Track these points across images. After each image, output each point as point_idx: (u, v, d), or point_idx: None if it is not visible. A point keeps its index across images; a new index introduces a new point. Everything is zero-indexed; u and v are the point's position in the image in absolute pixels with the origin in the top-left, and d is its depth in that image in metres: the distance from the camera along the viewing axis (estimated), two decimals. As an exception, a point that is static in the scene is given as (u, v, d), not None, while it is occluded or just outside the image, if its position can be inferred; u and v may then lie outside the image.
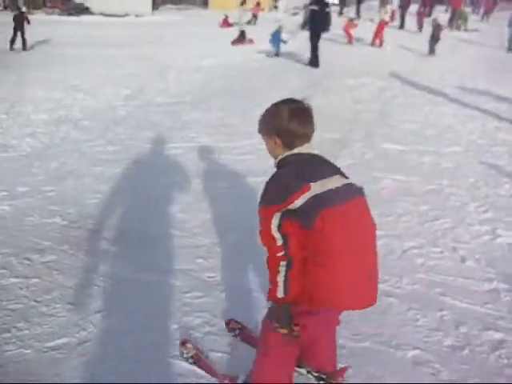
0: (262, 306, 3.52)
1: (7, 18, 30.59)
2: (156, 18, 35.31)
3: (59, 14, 32.31)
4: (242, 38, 21.51)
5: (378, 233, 2.44)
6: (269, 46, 18.40)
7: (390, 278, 4.27)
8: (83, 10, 32.91)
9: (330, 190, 2.22)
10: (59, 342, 3.37)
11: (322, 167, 2.35)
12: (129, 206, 5.72)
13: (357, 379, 3.06)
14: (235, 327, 3.35)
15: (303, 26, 15.97)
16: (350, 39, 22.15)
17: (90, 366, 3.17)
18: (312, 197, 2.15)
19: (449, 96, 12.04)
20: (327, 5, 15.64)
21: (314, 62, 15.78)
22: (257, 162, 6.97)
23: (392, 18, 25.19)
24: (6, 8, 34.28)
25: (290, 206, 2.16)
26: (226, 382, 2.86)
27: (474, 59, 18.79)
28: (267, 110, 2.48)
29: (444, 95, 12.13)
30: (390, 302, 3.96)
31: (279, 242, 2.18)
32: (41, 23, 25.46)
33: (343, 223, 2.18)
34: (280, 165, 2.39)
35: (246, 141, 7.97)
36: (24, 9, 20.18)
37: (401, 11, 28.43)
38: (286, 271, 2.19)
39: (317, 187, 2.18)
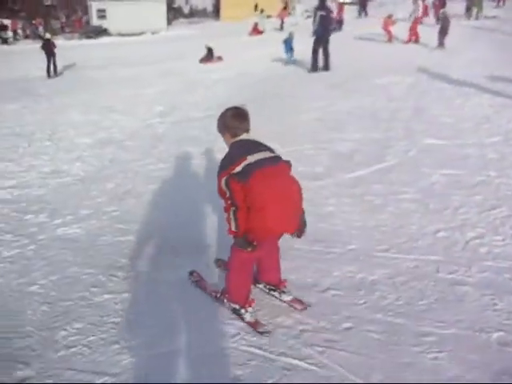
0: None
1: (30, 46, 31.65)
2: (171, 33, 35.85)
3: (78, 38, 33.03)
4: (209, 56, 20.52)
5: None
6: (279, 54, 18.53)
7: (459, 269, 4.45)
8: (101, 32, 33.55)
9: (259, 159, 3.40)
10: (164, 349, 3.63)
11: (254, 146, 3.53)
12: (195, 221, 5.91)
13: (456, 365, 3.29)
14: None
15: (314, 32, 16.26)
16: (390, 37, 22.18)
17: (198, 368, 3.41)
18: (247, 164, 3.34)
19: (478, 86, 12.12)
20: (330, 10, 16.43)
21: (313, 66, 16.19)
22: (309, 167, 7.18)
23: (425, 13, 25.22)
24: (27, 37, 35.16)
25: (233, 171, 3.34)
26: (213, 294, 4.14)
27: (495, 47, 18.81)
28: (219, 116, 3.71)
29: (473, 86, 12.20)
30: (465, 290, 4.14)
31: (227, 194, 3.40)
32: (62, 48, 25.94)
33: (268, 180, 3.34)
34: (230, 148, 3.60)
35: (293, 147, 8.14)
36: (48, 35, 20.73)
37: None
38: (234, 213, 3.40)
39: (251, 158, 3.38)
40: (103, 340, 3.78)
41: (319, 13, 15.74)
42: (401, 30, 22.48)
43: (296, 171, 3.78)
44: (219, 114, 3.70)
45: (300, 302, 4.01)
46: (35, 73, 20.44)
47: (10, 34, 36.81)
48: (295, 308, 3.98)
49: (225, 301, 3.97)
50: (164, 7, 40.68)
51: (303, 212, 3.71)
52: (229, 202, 3.42)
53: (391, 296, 4.13)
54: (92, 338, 3.81)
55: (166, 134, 9.99)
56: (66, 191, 7.22)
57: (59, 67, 20.39)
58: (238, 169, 3.34)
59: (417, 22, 21.72)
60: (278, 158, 3.59)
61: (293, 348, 3.57)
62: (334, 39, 16.83)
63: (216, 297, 4.09)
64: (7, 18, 48.86)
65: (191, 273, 4.53)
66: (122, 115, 12.06)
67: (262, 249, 3.67)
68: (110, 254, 5.14)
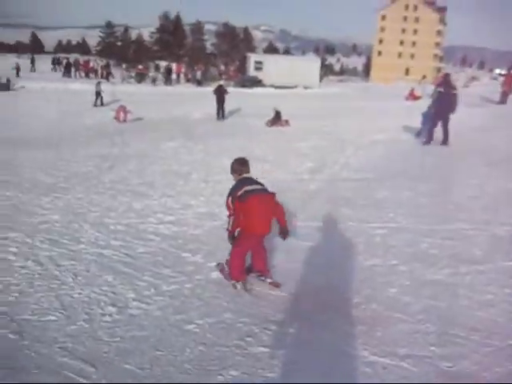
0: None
1: (192, 89, 33.92)
2: (322, 90, 36.58)
3: (234, 86, 34.77)
4: (277, 119, 20.08)
5: None
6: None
7: None
8: (256, 83, 35.10)
9: (254, 189, 5.33)
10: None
11: (251, 181, 5.49)
12: (346, 281, 5.83)
13: None
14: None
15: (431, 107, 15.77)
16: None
17: None
18: (245, 191, 5.24)
19: None
20: (454, 87, 15.54)
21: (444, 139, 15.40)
22: (466, 248, 6.81)
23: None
24: (188, 81, 37.81)
25: (238, 194, 5.26)
26: (227, 276, 5.80)
27: None
28: (231, 163, 5.74)
29: None
30: None
31: (231, 210, 5.41)
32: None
33: (257, 202, 5.24)
34: (236, 182, 5.53)
35: (447, 225, 7.83)
36: (222, 82, 22.23)
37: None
38: (232, 221, 5.42)
39: (248, 187, 5.29)
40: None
41: (438, 89, 15.42)
42: None
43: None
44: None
45: (276, 284, 5.73)
46: (194, 114, 21.75)
47: (174, 76, 39.70)
48: (273, 286, 5.70)
49: (229, 278, 5.73)
50: (318, 64, 41.87)
51: (286, 222, 5.78)
52: (231, 212, 5.49)
53: None
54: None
55: (317, 192, 10.02)
56: (221, 235, 7.41)
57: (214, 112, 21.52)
58: (240, 192, 5.36)
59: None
60: (266, 190, 5.60)
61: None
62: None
63: (226, 277, 5.81)
64: (173, 61, 53.12)
65: (218, 264, 6.19)
66: (273, 166, 12.32)
67: (249, 244, 5.68)
68: (265, 307, 5.17)
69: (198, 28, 78.81)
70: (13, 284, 5.77)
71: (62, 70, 39.14)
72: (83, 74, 38.98)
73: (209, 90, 34.75)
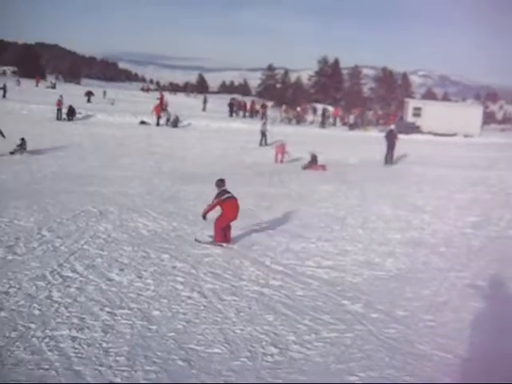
0: None
1: (347, 133, 34.20)
2: (483, 139, 34.80)
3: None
4: (313, 162, 19.49)
5: None
6: None
7: None
8: (414, 129, 34.42)
9: (230, 195, 9.32)
10: None
11: (227, 191, 9.36)
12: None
13: None
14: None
15: None
16: None
17: None
18: (227, 197, 9.26)
19: None
20: None
21: None
22: None
23: None
24: (344, 124, 38.33)
25: (222, 198, 9.23)
26: (213, 242, 9.36)
27: None
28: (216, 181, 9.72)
29: None
30: None
31: (211, 203, 9.37)
32: (375, 138, 27.29)
33: (232, 204, 9.25)
34: (218, 192, 9.37)
35: None
36: (392, 126, 22.45)
37: None
38: (208, 207, 9.36)
39: (228, 195, 9.30)
40: None
41: None
42: None
43: None
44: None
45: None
46: (350, 159, 21.75)
47: (331, 120, 40.35)
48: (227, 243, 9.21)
49: (215, 242, 9.20)
50: (480, 112, 39.98)
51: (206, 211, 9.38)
52: (211, 204, 9.27)
53: None
54: None
55: (482, 249, 9.45)
56: (381, 285, 7.29)
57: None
58: (224, 197, 9.14)
59: None
60: (235, 196, 9.31)
61: None
62: None
63: (212, 242, 9.27)
64: (329, 104, 53.92)
65: (210, 236, 9.53)
66: (432, 217, 11.92)
67: (225, 225, 9.22)
68: (431, 368, 4.94)
69: (355, 72, 79.48)
70: (180, 313, 6.14)
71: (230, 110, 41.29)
72: (246, 114, 40.73)
73: (363, 134, 34.92)
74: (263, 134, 25.90)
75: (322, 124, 38.42)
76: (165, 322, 5.86)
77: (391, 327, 5.86)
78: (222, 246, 9.03)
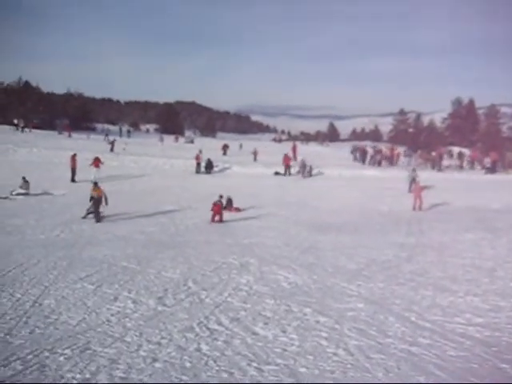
0: None
1: (487, 177, 32.52)
2: None
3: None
4: None
5: None
6: None
7: None
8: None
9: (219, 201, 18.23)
10: None
11: (220, 200, 18.09)
12: None
13: None
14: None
15: None
16: None
17: None
18: (218, 200, 18.12)
19: None
20: None
21: None
22: None
23: None
24: (483, 168, 36.41)
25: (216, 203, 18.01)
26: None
27: None
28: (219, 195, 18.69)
29: None
30: None
31: (213, 206, 17.81)
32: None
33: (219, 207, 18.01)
34: (216, 201, 17.94)
35: None
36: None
37: None
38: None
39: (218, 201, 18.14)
40: None
41: None
42: None
43: None
44: None
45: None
46: (493, 204, 20.57)
47: (468, 163, 38.59)
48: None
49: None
50: None
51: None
52: (212, 207, 17.36)
53: None
54: None
55: None
56: None
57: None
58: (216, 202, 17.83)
59: None
60: (221, 202, 18.00)
61: None
62: None
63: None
64: (465, 147, 51.62)
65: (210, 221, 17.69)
66: None
67: (216, 212, 17.28)
68: None
69: (492, 111, 75.58)
70: (327, 371, 6.05)
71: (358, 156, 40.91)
72: (379, 162, 39.99)
73: (504, 178, 32.67)
74: (413, 179, 23.40)
75: (460, 168, 36.81)
76: (312, 379, 5.79)
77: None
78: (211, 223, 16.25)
